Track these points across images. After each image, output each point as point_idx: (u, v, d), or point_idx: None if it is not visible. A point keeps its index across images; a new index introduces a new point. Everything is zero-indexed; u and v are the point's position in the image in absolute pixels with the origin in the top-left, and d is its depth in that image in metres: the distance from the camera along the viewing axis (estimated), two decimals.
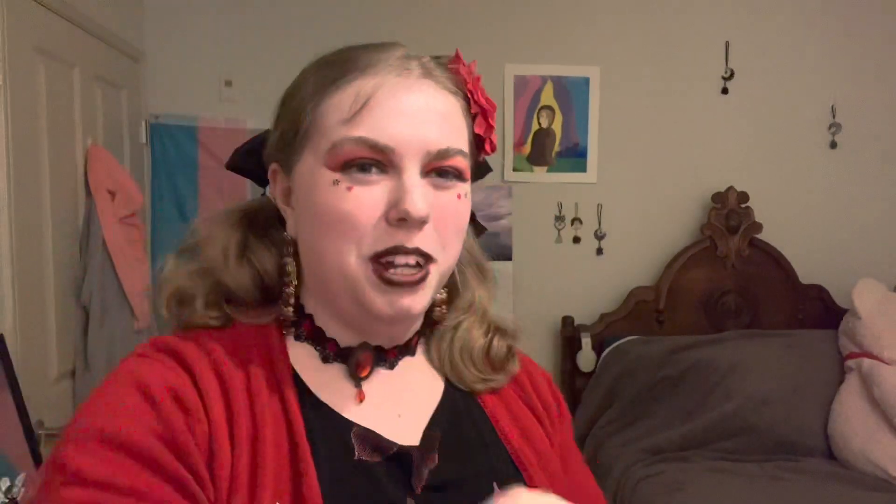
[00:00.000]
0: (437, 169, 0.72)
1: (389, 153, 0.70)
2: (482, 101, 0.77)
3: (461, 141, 0.74)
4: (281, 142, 0.77)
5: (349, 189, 0.70)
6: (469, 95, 0.77)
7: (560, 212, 3.11)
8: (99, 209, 2.21)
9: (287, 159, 0.76)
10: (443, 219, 0.72)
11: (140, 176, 2.82)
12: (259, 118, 2.95)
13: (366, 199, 0.70)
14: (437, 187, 0.72)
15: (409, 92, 0.72)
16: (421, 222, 0.70)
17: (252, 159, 0.83)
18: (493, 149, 0.79)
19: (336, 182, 0.70)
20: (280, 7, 2.98)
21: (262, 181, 0.83)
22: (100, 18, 2.42)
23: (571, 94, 3.07)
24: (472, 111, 0.77)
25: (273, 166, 0.79)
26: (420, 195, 0.70)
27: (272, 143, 0.79)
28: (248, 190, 2.97)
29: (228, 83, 2.95)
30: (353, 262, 0.71)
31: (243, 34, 2.96)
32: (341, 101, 0.72)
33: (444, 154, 0.72)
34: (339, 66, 0.75)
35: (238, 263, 0.78)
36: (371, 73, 0.72)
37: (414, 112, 0.71)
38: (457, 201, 0.74)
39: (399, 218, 0.69)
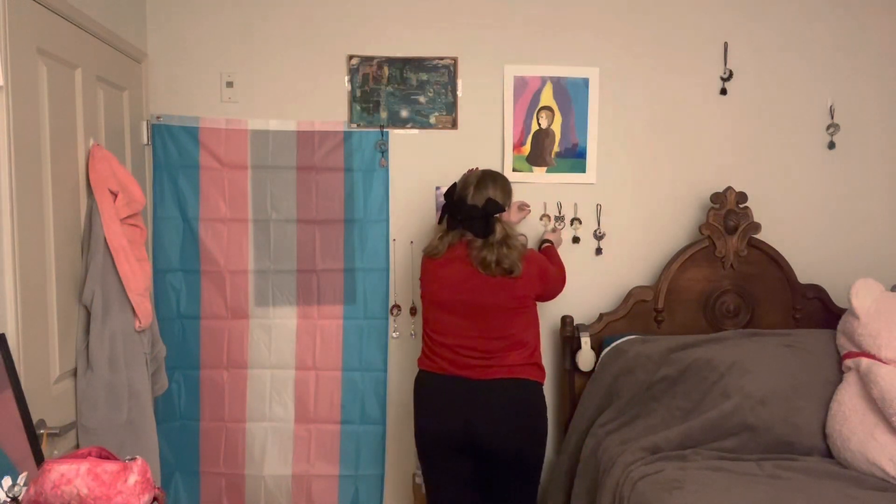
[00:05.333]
0: None
1: None
2: None
3: None
4: (510, 200, 2.59)
5: None
6: None
7: (559, 212, 3.12)
8: (100, 209, 2.22)
9: (510, 204, 2.59)
10: None
11: (141, 176, 2.83)
12: (260, 119, 2.96)
13: None
14: None
15: None
16: None
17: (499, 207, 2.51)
18: None
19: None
20: (280, 8, 2.99)
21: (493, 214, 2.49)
22: (102, 20, 2.43)
23: (571, 94, 3.08)
24: None
25: (508, 207, 2.57)
26: None
27: (509, 202, 2.57)
28: (248, 191, 2.99)
29: (230, 84, 2.97)
30: None
31: (244, 35, 2.98)
32: None
33: None
34: None
35: None
36: None
37: None
38: None
39: None
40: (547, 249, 2.86)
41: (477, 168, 2.63)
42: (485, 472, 2.50)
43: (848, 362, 2.64)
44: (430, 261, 2.55)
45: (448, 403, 2.47)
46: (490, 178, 2.53)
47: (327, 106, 3.01)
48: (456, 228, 2.50)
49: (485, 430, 2.42)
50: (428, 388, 2.53)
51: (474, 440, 2.44)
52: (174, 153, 2.93)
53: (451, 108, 3.06)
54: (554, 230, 3.01)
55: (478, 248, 2.45)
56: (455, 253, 2.49)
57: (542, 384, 2.55)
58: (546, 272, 2.59)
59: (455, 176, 2.98)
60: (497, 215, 2.47)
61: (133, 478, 1.40)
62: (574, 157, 3.11)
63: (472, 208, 2.47)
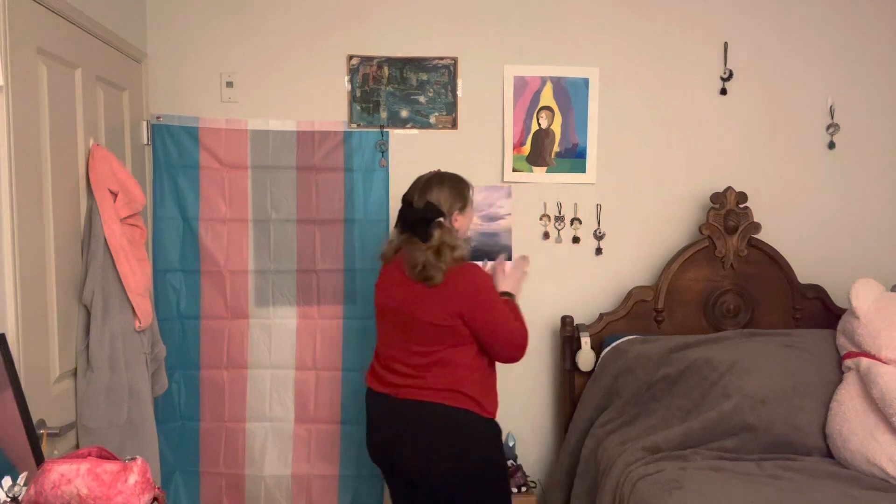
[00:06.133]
0: None
1: None
2: None
3: None
4: (462, 205, 2.36)
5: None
6: None
7: (559, 212, 3.12)
8: (100, 209, 2.22)
9: (464, 209, 2.36)
10: None
11: (141, 176, 2.83)
12: (260, 119, 2.96)
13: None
14: None
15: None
16: None
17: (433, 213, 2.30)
18: None
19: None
20: (280, 8, 2.99)
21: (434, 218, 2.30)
22: (102, 19, 2.43)
23: (571, 94, 3.08)
24: None
25: (456, 212, 2.34)
26: None
27: (458, 207, 2.35)
28: (248, 191, 2.99)
29: (230, 84, 2.97)
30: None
31: (244, 35, 2.98)
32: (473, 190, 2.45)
33: None
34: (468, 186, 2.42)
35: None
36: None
37: None
38: None
39: None
40: (509, 303, 2.44)
41: (438, 170, 2.46)
42: (419, 498, 2.33)
43: (848, 362, 2.65)
44: (383, 265, 2.45)
45: (373, 421, 2.37)
46: (437, 182, 2.35)
47: (327, 106, 3.01)
48: (405, 232, 2.36)
49: (401, 454, 2.28)
50: (366, 403, 2.43)
51: (396, 463, 2.31)
52: (174, 153, 2.93)
53: (451, 108, 3.06)
54: (509, 275, 2.52)
55: (412, 251, 2.28)
56: (398, 257, 2.36)
57: (471, 412, 2.26)
58: (480, 294, 2.27)
59: None
60: (440, 220, 2.29)
61: (133, 478, 1.40)
62: (574, 157, 3.11)
63: (414, 212, 2.33)
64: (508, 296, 2.44)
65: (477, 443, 2.28)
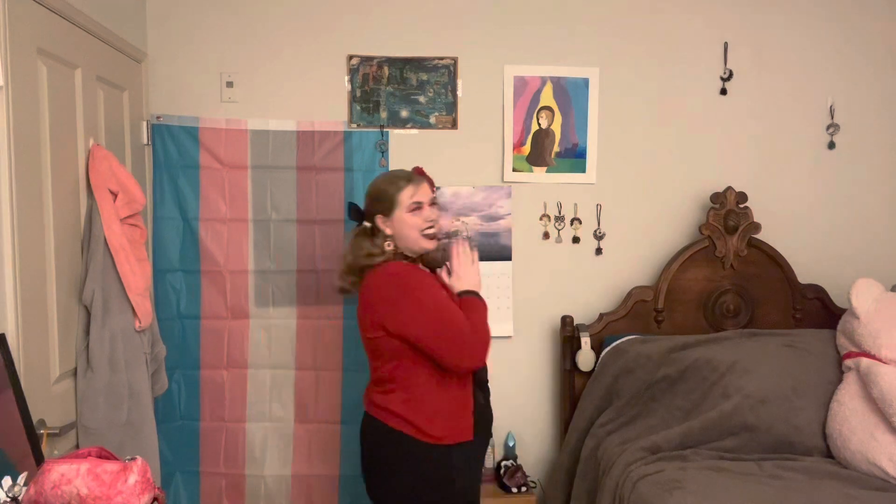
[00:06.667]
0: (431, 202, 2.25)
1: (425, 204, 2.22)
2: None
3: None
4: (382, 208, 2.19)
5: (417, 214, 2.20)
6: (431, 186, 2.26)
7: (559, 212, 3.12)
8: (100, 209, 2.21)
9: (388, 212, 2.19)
10: None
11: (141, 176, 2.83)
12: (260, 119, 2.96)
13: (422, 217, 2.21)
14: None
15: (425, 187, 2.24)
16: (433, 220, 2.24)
17: (358, 216, 2.28)
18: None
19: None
20: (280, 8, 2.99)
21: (361, 220, 2.27)
22: (102, 19, 2.43)
23: (571, 94, 3.08)
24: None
25: (378, 216, 2.20)
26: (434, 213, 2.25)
27: (377, 210, 2.21)
28: (248, 191, 2.99)
29: (230, 84, 2.96)
30: (418, 235, 2.19)
31: (244, 35, 2.97)
32: (408, 191, 2.19)
33: (433, 200, 2.25)
34: (405, 179, 2.21)
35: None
36: (414, 181, 2.21)
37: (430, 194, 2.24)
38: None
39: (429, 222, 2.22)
40: (463, 302, 2.16)
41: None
42: None
43: (848, 362, 2.65)
44: None
45: None
46: (368, 186, 2.29)
47: (327, 106, 3.01)
48: None
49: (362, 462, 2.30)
50: None
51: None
52: (174, 153, 2.92)
53: (451, 108, 3.06)
54: (455, 272, 2.23)
55: None
56: None
57: (403, 433, 2.10)
58: (386, 293, 2.07)
59: (455, 175, 2.99)
60: (360, 226, 2.26)
61: (133, 478, 1.40)
62: (574, 157, 3.11)
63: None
64: (470, 294, 2.18)
65: (411, 466, 2.12)
